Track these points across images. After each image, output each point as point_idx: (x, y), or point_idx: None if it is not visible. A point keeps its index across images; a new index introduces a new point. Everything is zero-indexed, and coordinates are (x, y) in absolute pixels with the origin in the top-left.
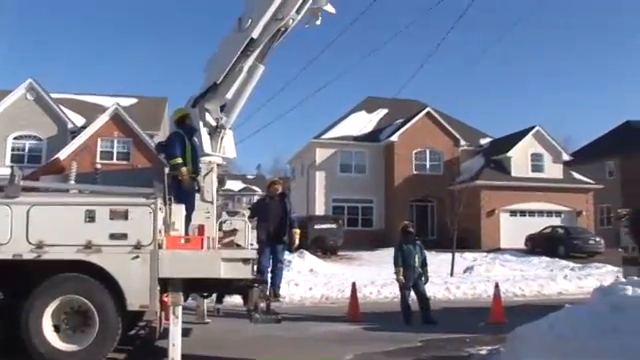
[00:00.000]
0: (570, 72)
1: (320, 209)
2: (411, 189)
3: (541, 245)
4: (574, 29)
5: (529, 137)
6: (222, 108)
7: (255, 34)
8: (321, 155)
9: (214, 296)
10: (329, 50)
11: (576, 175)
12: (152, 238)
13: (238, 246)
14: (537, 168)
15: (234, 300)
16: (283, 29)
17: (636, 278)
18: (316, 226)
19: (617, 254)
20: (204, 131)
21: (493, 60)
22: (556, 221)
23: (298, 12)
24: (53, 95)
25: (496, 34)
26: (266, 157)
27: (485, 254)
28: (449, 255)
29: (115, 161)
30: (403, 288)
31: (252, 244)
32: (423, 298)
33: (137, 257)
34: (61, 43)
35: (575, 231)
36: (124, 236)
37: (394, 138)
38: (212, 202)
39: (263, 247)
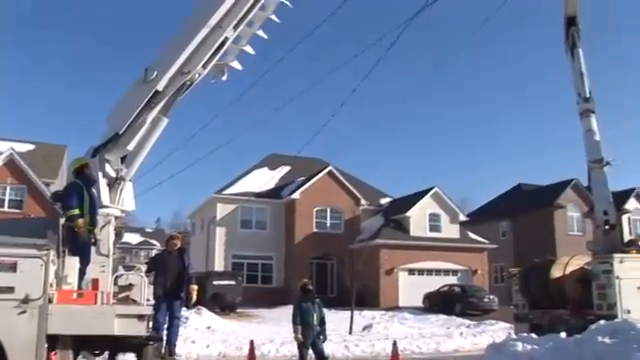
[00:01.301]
0: (467, 135)
1: (219, 265)
2: (311, 247)
3: (438, 303)
4: (470, 92)
5: (427, 198)
6: (123, 159)
7: (160, 86)
8: (222, 210)
9: (106, 354)
10: (234, 105)
11: (472, 235)
12: (42, 292)
13: (134, 302)
14: (435, 228)
15: (128, 358)
16: (189, 83)
17: (526, 334)
18: (215, 282)
19: (509, 311)
20: (103, 182)
21: (394, 121)
22: (452, 279)
23: (204, 67)
24: None
25: (399, 96)
26: (166, 211)
27: (384, 312)
28: (348, 313)
29: (6, 209)
30: (301, 346)
31: (148, 300)
32: (321, 356)
33: (24, 312)
34: None
35: (471, 289)
36: (11, 290)
37: (296, 195)
38: (108, 255)
39: (159, 303)
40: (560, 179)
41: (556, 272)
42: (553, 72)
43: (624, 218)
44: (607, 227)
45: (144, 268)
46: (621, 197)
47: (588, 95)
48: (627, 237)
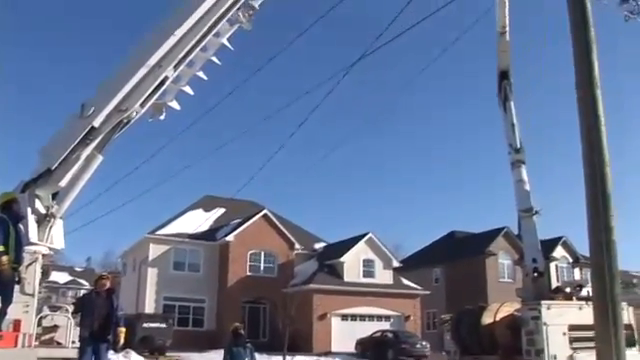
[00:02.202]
0: (401, 183)
1: (150, 307)
2: (244, 290)
3: (371, 349)
4: (407, 140)
5: (362, 243)
6: (54, 196)
7: (97, 123)
8: (155, 251)
9: None
10: (171, 146)
11: (405, 281)
12: None
13: (58, 344)
14: (368, 273)
15: None
16: (126, 121)
17: None
18: (144, 324)
19: (441, 357)
20: (32, 218)
21: (330, 167)
22: (385, 325)
23: (142, 105)
24: None
25: (334, 143)
26: (97, 250)
27: (316, 357)
28: (280, 358)
29: None
30: None
31: (74, 342)
32: None
33: None
34: None
35: (403, 335)
36: None
37: (230, 238)
38: (33, 295)
39: (85, 346)
40: (492, 227)
41: (487, 318)
42: (484, 125)
43: (552, 266)
44: (536, 274)
45: (71, 309)
46: (549, 245)
47: (519, 146)
48: (554, 284)
